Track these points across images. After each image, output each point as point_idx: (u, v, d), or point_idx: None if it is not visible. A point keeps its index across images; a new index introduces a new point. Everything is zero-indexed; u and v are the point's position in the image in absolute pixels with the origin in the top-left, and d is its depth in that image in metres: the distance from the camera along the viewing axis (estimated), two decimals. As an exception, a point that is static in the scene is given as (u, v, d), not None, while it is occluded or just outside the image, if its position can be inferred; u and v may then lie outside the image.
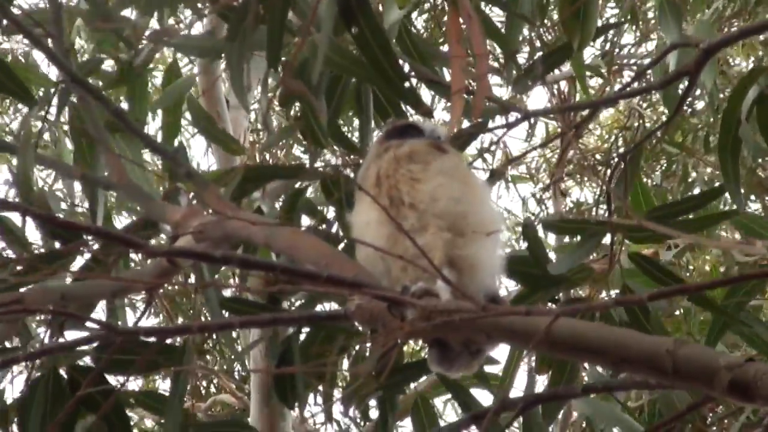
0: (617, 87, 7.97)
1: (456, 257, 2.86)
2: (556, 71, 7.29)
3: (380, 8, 3.77)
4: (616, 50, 7.96)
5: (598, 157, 8.51)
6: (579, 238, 3.56)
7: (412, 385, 3.98)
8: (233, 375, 7.91)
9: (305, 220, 3.95)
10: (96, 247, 3.68)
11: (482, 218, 2.92)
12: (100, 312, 4.52)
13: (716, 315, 3.59)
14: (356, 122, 3.94)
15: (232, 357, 7.53)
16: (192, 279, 4.19)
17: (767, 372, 2.38)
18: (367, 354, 3.51)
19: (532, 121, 8.43)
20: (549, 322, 2.41)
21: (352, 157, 4.03)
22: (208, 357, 7.93)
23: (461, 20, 3.09)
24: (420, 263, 2.58)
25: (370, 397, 3.46)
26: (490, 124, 4.00)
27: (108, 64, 4.43)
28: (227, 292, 3.79)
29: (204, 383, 8.78)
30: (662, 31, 4.28)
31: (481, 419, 3.28)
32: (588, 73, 7.13)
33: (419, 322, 2.47)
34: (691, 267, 7.06)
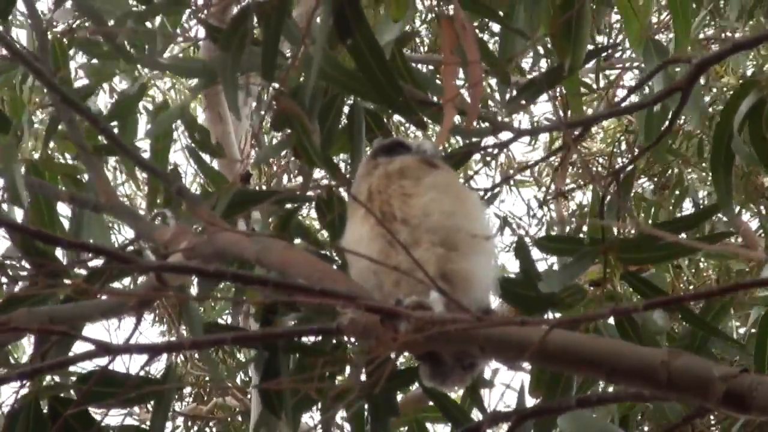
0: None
1: (449, 272, 2.86)
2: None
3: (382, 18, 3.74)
4: (618, 53, 7.98)
5: (601, 160, 8.51)
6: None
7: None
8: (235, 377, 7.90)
9: (297, 242, 3.92)
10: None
11: (475, 232, 2.92)
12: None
13: (696, 328, 3.55)
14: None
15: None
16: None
17: (762, 382, 2.37)
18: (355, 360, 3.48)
19: (535, 124, 8.49)
20: (544, 333, 2.40)
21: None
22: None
23: (455, 29, 3.09)
24: (413, 276, 2.58)
25: (358, 403, 3.42)
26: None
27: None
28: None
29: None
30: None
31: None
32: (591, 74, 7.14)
33: (413, 334, 2.45)
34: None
